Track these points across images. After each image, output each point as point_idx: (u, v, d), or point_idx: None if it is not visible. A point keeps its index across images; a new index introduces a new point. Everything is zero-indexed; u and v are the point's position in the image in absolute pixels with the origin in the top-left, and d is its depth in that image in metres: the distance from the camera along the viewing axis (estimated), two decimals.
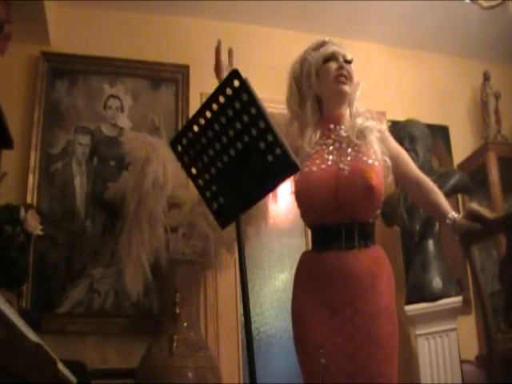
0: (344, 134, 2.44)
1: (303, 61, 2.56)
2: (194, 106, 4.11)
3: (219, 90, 1.83)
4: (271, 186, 1.90)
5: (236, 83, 1.78)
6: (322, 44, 2.54)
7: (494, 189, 4.58)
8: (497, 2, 3.70)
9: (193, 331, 3.52)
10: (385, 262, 2.35)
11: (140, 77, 4.38)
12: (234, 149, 1.86)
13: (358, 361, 2.17)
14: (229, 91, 1.81)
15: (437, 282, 3.95)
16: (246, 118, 1.80)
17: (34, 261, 3.63)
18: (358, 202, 2.29)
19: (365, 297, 2.23)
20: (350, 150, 2.38)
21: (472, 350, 4.23)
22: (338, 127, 2.47)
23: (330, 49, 2.50)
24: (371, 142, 2.38)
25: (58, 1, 4.22)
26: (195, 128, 1.95)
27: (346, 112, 2.51)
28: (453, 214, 2.29)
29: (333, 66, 2.46)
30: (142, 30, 4.48)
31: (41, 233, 3.18)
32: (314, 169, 2.35)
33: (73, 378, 2.44)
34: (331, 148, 2.42)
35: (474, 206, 2.28)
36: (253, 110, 1.78)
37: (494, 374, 2.37)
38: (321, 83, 2.49)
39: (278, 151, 1.77)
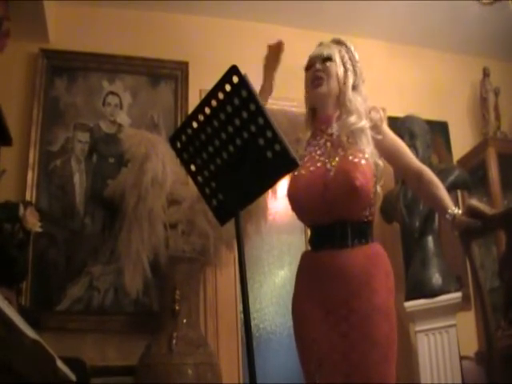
0: (336, 133, 2.45)
1: None
2: (193, 102, 4.10)
3: (218, 87, 1.83)
4: (271, 182, 1.90)
5: (235, 79, 1.78)
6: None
7: (494, 185, 4.57)
8: None
9: (192, 328, 3.52)
10: (382, 260, 2.36)
11: (139, 74, 4.37)
12: (234, 145, 1.86)
13: (353, 360, 2.17)
14: (228, 87, 1.80)
15: (436, 279, 3.95)
16: (245, 115, 1.80)
17: (33, 258, 3.63)
18: (345, 202, 2.30)
19: (359, 295, 2.23)
20: (339, 149, 2.39)
21: (471, 346, 4.24)
22: (330, 127, 2.49)
23: (310, 57, 2.58)
24: (362, 145, 2.38)
25: None
26: (194, 124, 1.95)
27: (334, 110, 2.52)
28: (453, 209, 2.28)
29: (309, 72, 2.54)
30: (141, 27, 4.48)
31: (40, 230, 3.18)
32: (303, 172, 2.38)
33: (72, 376, 2.44)
34: (322, 149, 2.44)
35: (474, 202, 2.28)
36: (252, 107, 1.78)
37: (493, 370, 2.37)
38: (306, 91, 2.59)
39: (277, 147, 1.77)
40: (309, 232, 4.52)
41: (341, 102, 2.49)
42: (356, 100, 2.48)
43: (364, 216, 2.36)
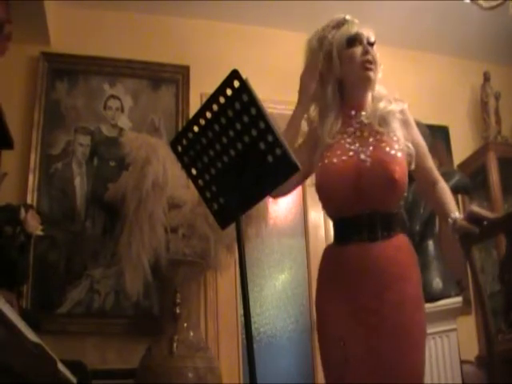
0: (366, 120, 2.35)
1: (322, 38, 2.43)
2: (194, 106, 4.12)
3: (219, 91, 1.83)
4: (271, 186, 1.90)
5: (236, 84, 1.78)
6: (343, 22, 2.42)
7: (494, 189, 4.58)
8: (497, 2, 3.70)
9: (193, 331, 3.52)
10: (409, 250, 2.30)
11: (140, 77, 4.39)
12: (234, 149, 1.86)
13: (381, 351, 2.11)
14: (229, 92, 1.81)
15: (437, 283, 3.95)
16: (246, 119, 1.80)
17: (34, 261, 3.63)
18: (380, 195, 2.23)
19: (391, 287, 2.17)
20: (371, 139, 2.30)
21: (472, 350, 4.24)
22: (359, 114, 2.38)
23: (353, 30, 2.38)
24: (394, 130, 2.31)
25: (58, 1, 4.21)
26: (195, 128, 1.95)
27: (369, 97, 2.42)
28: (455, 213, 2.26)
29: (358, 50, 2.36)
30: (142, 30, 4.49)
31: (41, 233, 3.18)
32: (335, 160, 2.28)
33: (73, 379, 2.44)
34: (352, 137, 2.34)
35: (475, 208, 2.27)
36: (253, 111, 1.78)
37: (494, 374, 2.37)
38: (344, 68, 2.37)
39: (278, 152, 1.76)
40: (310, 235, 4.53)
41: (372, 86, 2.41)
42: (382, 88, 2.45)
43: (394, 207, 2.31)
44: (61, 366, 2.08)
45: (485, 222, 2.19)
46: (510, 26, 4.56)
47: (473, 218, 2.21)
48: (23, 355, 1.44)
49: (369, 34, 2.40)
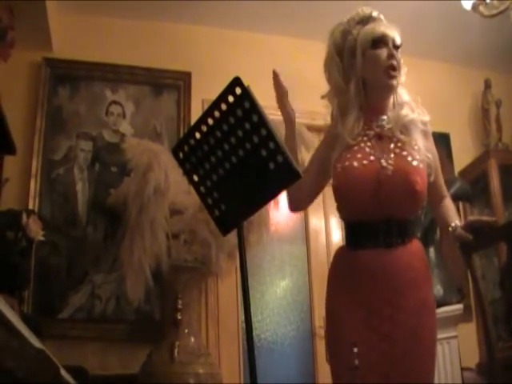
0: (387, 125, 2.31)
1: (346, 32, 2.36)
2: (196, 112, 4.12)
3: (221, 98, 1.83)
4: (273, 193, 1.90)
5: (238, 91, 1.78)
6: (369, 19, 2.35)
7: (495, 196, 4.58)
8: (498, 10, 3.71)
9: (194, 337, 3.52)
10: (423, 255, 2.28)
11: (142, 83, 4.40)
12: (236, 156, 1.86)
13: (393, 357, 2.09)
14: (231, 99, 1.81)
15: (438, 290, 3.95)
16: (247, 126, 1.81)
17: (35, 266, 3.63)
18: (400, 204, 2.20)
19: (404, 293, 2.15)
20: (392, 145, 2.26)
21: (473, 357, 4.22)
22: (380, 118, 2.34)
23: (379, 29, 2.31)
24: (416, 139, 2.28)
25: (60, 7, 4.23)
26: (197, 135, 1.95)
27: (390, 101, 2.38)
28: (456, 222, 2.25)
29: (383, 53, 2.29)
30: (144, 36, 4.50)
31: (42, 238, 3.19)
32: (356, 164, 2.22)
33: None
34: (373, 141, 2.29)
35: (472, 217, 2.29)
36: (254, 118, 1.78)
37: (494, 381, 2.37)
38: (367, 69, 2.32)
39: (279, 159, 1.77)
40: (310, 242, 4.52)
41: (395, 91, 2.37)
42: (404, 92, 2.42)
43: (412, 215, 2.28)
44: (63, 372, 2.08)
45: (484, 231, 2.20)
46: (511, 33, 4.57)
47: (470, 227, 2.20)
48: (26, 360, 1.44)
49: (394, 35, 2.33)
